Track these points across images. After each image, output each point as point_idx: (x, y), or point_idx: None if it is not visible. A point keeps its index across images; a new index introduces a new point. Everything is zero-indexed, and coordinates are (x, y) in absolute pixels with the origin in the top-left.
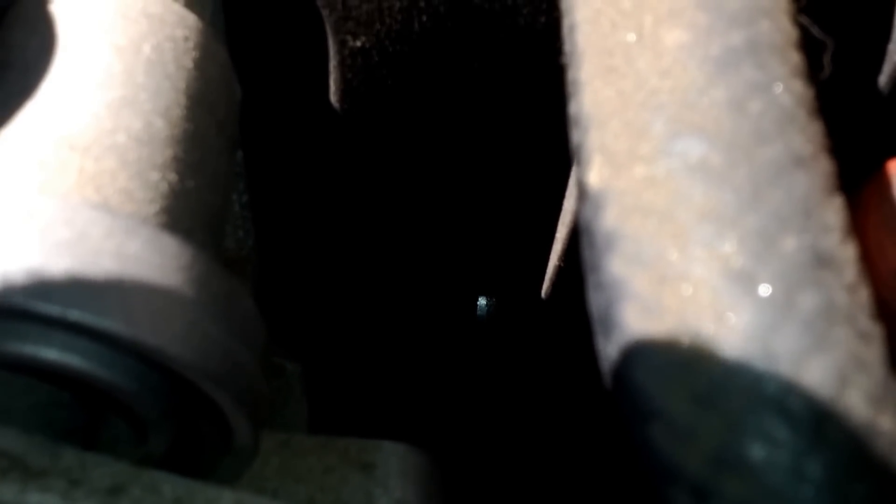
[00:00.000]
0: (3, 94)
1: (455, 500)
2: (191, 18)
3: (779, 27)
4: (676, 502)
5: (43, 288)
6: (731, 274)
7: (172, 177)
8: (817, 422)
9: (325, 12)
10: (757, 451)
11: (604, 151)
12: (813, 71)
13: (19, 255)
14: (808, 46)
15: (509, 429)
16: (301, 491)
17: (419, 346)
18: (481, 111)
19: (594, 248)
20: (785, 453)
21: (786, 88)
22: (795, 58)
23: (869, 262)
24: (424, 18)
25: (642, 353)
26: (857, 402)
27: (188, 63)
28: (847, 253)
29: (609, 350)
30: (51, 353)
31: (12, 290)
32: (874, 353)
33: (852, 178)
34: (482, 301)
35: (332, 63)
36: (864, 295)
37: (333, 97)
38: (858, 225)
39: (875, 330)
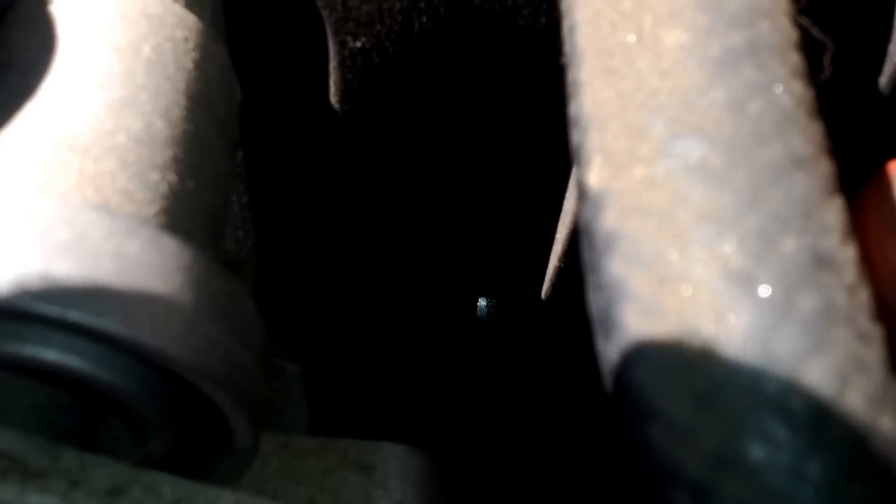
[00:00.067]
0: (3, 94)
1: (455, 501)
2: (191, 19)
3: (778, 28)
4: (676, 502)
5: (43, 289)
6: (731, 275)
7: (172, 178)
8: (817, 422)
9: (325, 13)
10: (757, 452)
11: (604, 152)
12: (813, 72)
13: (19, 256)
14: (808, 47)
15: (509, 430)
16: (301, 492)
17: (419, 347)
18: (481, 112)
19: (594, 249)
20: (785, 454)
21: (786, 89)
22: (795, 59)
23: (870, 263)
24: (424, 19)
25: (642, 354)
26: (856, 403)
27: (188, 64)
28: (847, 254)
29: (609, 351)
30: (50, 354)
31: (12, 291)
32: (874, 353)
33: (853, 180)
34: (482, 302)
35: (333, 64)
36: (863, 296)
37: (333, 98)
38: (859, 226)
39: (875, 331)
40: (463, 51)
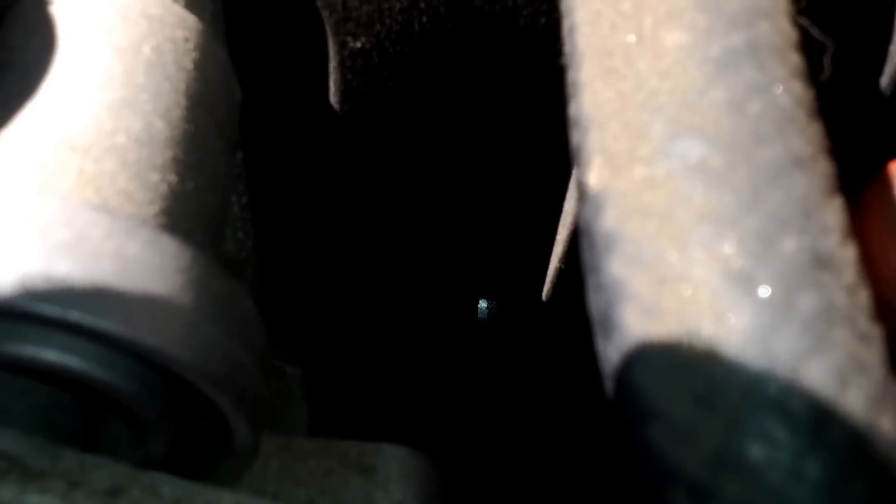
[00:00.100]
0: (3, 95)
1: (456, 502)
2: (191, 19)
3: (778, 28)
4: (676, 503)
5: (42, 289)
6: (731, 275)
7: (172, 178)
8: (817, 423)
9: (325, 13)
10: (756, 452)
11: (603, 152)
12: (813, 72)
13: (19, 257)
14: (809, 48)
15: (510, 431)
16: (301, 494)
17: (420, 349)
18: (482, 113)
19: (594, 250)
20: (784, 454)
21: (785, 90)
22: (795, 59)
23: (871, 263)
24: (425, 19)
25: (642, 354)
26: (856, 403)
27: (188, 64)
28: (847, 254)
29: (609, 351)
30: (50, 354)
31: (12, 291)
32: (874, 354)
33: (854, 180)
34: (483, 304)
35: (333, 64)
36: (863, 296)
37: (334, 98)
38: (861, 227)
39: (875, 331)
40: (463, 51)
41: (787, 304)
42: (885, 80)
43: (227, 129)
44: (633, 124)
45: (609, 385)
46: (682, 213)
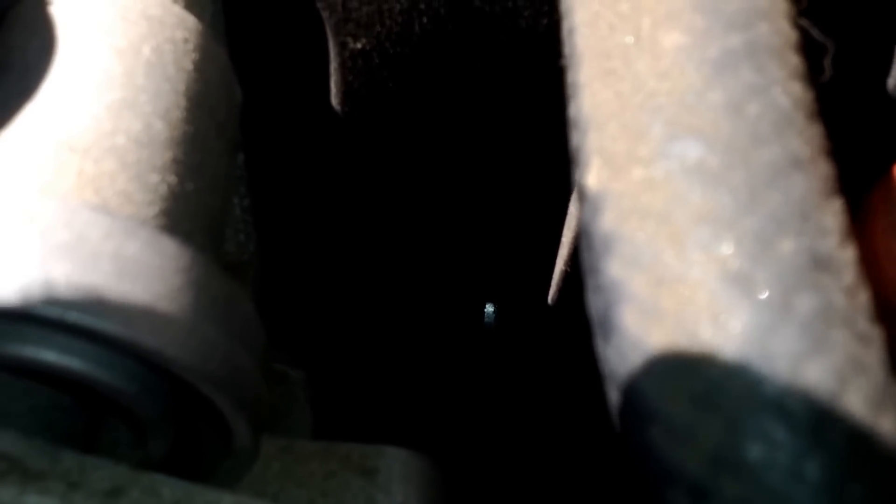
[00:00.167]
0: (2, 95)
1: None
2: (190, 20)
3: (777, 30)
4: (676, 503)
5: (42, 290)
6: (729, 276)
7: (172, 179)
8: (816, 423)
9: (325, 14)
10: (755, 453)
11: (602, 153)
12: (814, 74)
13: (19, 258)
14: (809, 49)
15: (514, 434)
16: (302, 495)
17: (426, 352)
18: (484, 114)
19: (593, 251)
20: (783, 454)
21: (784, 91)
22: (794, 60)
23: (877, 266)
24: (425, 20)
25: (641, 356)
26: (855, 404)
27: (188, 65)
28: (846, 255)
29: (608, 353)
30: (50, 355)
31: (12, 293)
32: (873, 355)
33: (861, 183)
34: (489, 307)
35: (333, 65)
36: (863, 297)
37: (335, 99)
38: (866, 229)
39: (875, 332)
40: (464, 52)
41: (786, 305)
42: (892, 82)
43: (227, 130)
44: (631, 125)
45: (608, 386)
46: (680, 214)
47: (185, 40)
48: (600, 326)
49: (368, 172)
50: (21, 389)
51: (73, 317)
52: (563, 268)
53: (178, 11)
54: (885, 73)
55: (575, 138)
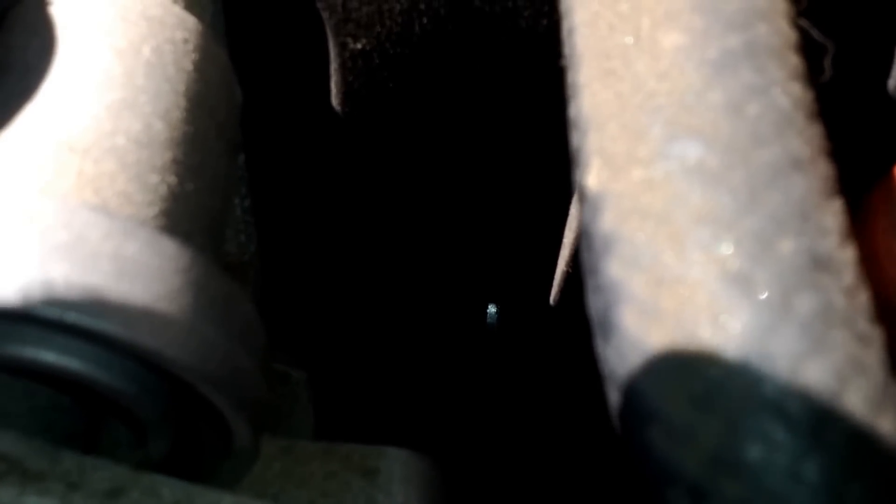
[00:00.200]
0: (3, 96)
1: None
2: (190, 21)
3: (776, 30)
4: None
5: (41, 290)
6: (729, 276)
7: (172, 179)
8: (815, 424)
9: (325, 15)
10: (755, 453)
11: (602, 154)
12: (814, 74)
13: (18, 258)
14: (809, 50)
15: (517, 435)
16: (302, 496)
17: (429, 353)
18: (484, 114)
19: (593, 251)
20: (783, 455)
21: (784, 91)
22: (794, 61)
23: (878, 266)
24: (425, 21)
25: (640, 356)
26: (855, 405)
27: (188, 65)
28: (846, 256)
29: (608, 353)
30: (49, 356)
31: (11, 293)
32: (873, 356)
33: (861, 183)
34: (492, 308)
35: (334, 66)
36: (863, 298)
37: (335, 100)
38: (867, 229)
39: (874, 333)
40: (464, 52)
41: (786, 305)
42: (893, 83)
43: (227, 130)
44: (631, 126)
45: (608, 387)
46: (680, 214)
47: (185, 41)
48: (600, 327)
49: (369, 173)
50: (21, 390)
51: (72, 317)
52: (565, 268)
53: (178, 12)
54: (886, 73)
55: (575, 139)
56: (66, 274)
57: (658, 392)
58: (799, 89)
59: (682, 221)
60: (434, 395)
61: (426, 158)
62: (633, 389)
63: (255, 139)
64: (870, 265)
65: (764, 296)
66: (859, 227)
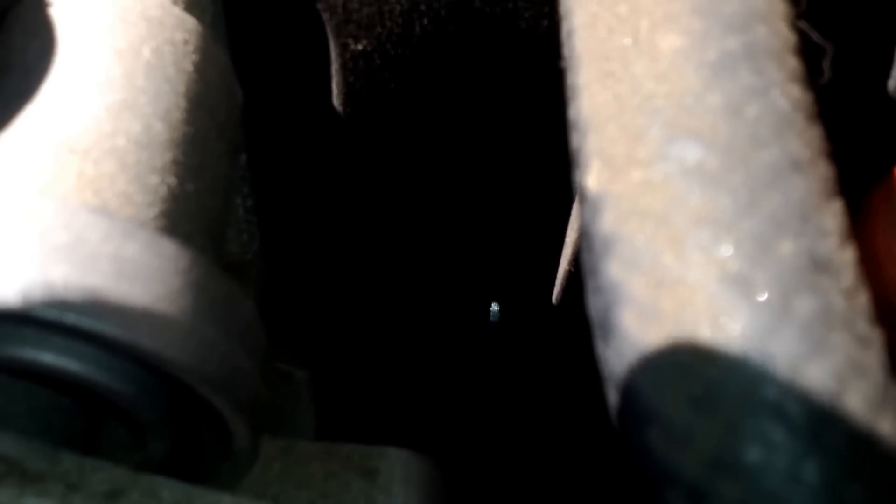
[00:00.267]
0: (2, 96)
1: None
2: (190, 22)
3: (775, 32)
4: None
5: (40, 292)
6: (728, 278)
7: (172, 180)
8: (814, 425)
9: (325, 16)
10: (754, 455)
11: (602, 155)
12: (813, 76)
13: (18, 259)
14: (808, 52)
15: (518, 434)
16: (302, 496)
17: (431, 352)
18: (486, 114)
19: (593, 252)
20: (782, 456)
21: (783, 93)
22: (793, 62)
23: (878, 267)
24: (425, 21)
25: (640, 357)
26: (855, 406)
27: (188, 66)
28: (845, 257)
29: (607, 354)
30: (48, 357)
31: (10, 294)
32: (873, 357)
33: (862, 184)
34: (495, 307)
35: (334, 66)
36: (862, 299)
37: (336, 101)
38: (867, 230)
39: (874, 334)
40: (464, 54)
41: (785, 307)
42: (892, 84)
43: (227, 131)
44: (630, 127)
45: (608, 387)
46: (679, 216)
47: (185, 41)
48: (600, 327)
49: (371, 173)
50: (20, 391)
51: (71, 318)
52: (567, 268)
53: (178, 13)
54: (885, 74)
55: (575, 140)
56: (66, 275)
57: (657, 393)
58: (798, 91)
59: (681, 223)
60: (436, 393)
61: (427, 158)
62: (633, 390)
63: (257, 139)
64: (870, 266)
65: (763, 297)
66: (859, 227)
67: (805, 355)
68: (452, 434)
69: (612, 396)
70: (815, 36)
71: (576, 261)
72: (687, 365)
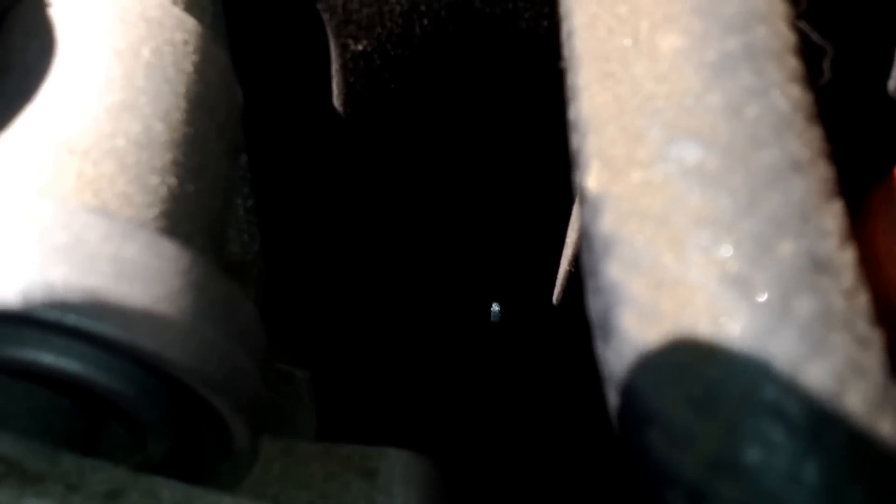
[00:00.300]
0: (2, 97)
1: None
2: (190, 22)
3: (775, 32)
4: None
5: (41, 292)
6: (728, 278)
7: (172, 181)
8: (814, 426)
9: (325, 16)
10: (754, 455)
11: (601, 156)
12: (813, 76)
13: (17, 260)
14: (808, 52)
15: (518, 434)
16: (302, 497)
17: (432, 352)
18: (486, 115)
19: (592, 253)
20: (781, 457)
21: (783, 93)
22: (793, 63)
23: (878, 267)
24: (425, 22)
25: (639, 358)
26: (855, 407)
27: (188, 67)
28: (845, 258)
29: (607, 355)
30: (48, 358)
31: (10, 295)
32: (873, 358)
33: (861, 184)
34: (495, 307)
35: (334, 67)
36: (862, 300)
37: (336, 101)
38: (867, 230)
39: (874, 335)
40: (465, 54)
41: (785, 307)
42: (892, 84)
43: (227, 131)
44: (630, 128)
45: (608, 388)
46: (679, 216)
47: (185, 42)
48: (600, 328)
49: (371, 173)
50: (20, 391)
51: (71, 319)
52: (567, 268)
53: (178, 13)
54: (885, 75)
55: (574, 141)
56: (66, 276)
57: (657, 393)
58: (798, 91)
59: (681, 223)
60: (436, 394)
61: (428, 159)
62: (633, 391)
63: (257, 140)
64: (870, 266)
65: (763, 298)
66: (859, 228)
67: (805, 356)
68: (452, 434)
69: (612, 397)
70: (815, 36)
71: (576, 261)
72: (687, 365)
